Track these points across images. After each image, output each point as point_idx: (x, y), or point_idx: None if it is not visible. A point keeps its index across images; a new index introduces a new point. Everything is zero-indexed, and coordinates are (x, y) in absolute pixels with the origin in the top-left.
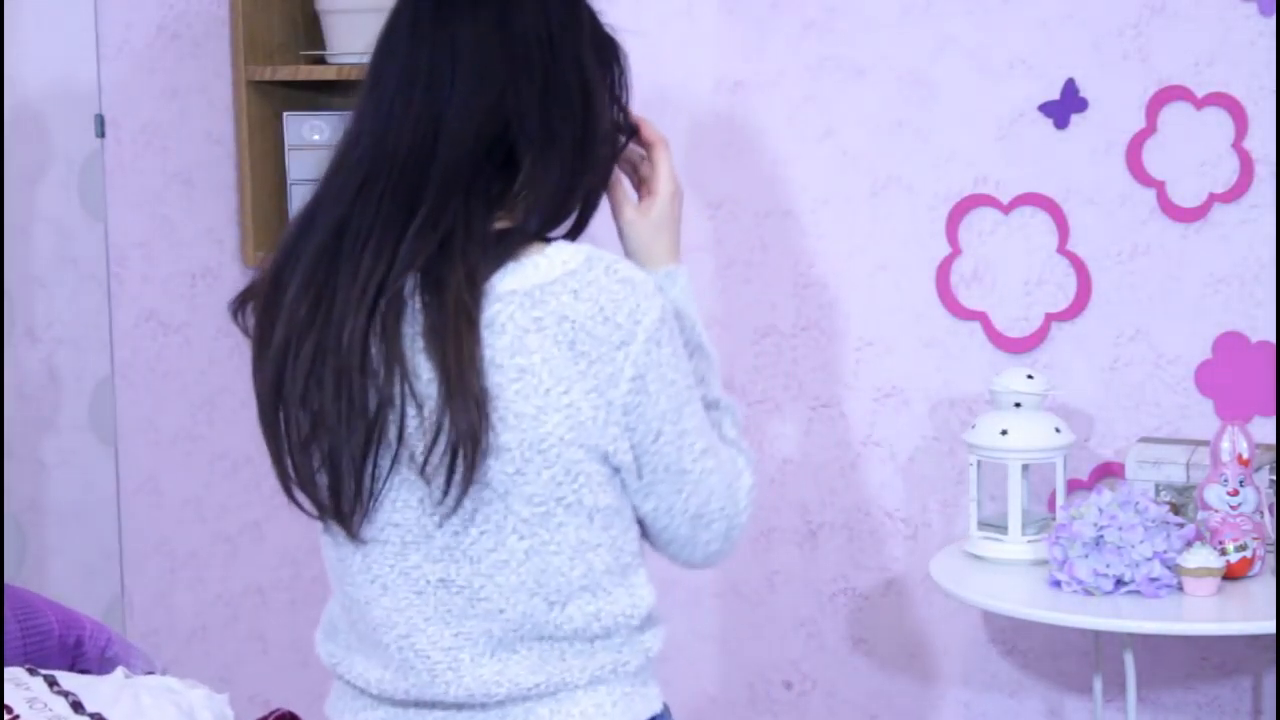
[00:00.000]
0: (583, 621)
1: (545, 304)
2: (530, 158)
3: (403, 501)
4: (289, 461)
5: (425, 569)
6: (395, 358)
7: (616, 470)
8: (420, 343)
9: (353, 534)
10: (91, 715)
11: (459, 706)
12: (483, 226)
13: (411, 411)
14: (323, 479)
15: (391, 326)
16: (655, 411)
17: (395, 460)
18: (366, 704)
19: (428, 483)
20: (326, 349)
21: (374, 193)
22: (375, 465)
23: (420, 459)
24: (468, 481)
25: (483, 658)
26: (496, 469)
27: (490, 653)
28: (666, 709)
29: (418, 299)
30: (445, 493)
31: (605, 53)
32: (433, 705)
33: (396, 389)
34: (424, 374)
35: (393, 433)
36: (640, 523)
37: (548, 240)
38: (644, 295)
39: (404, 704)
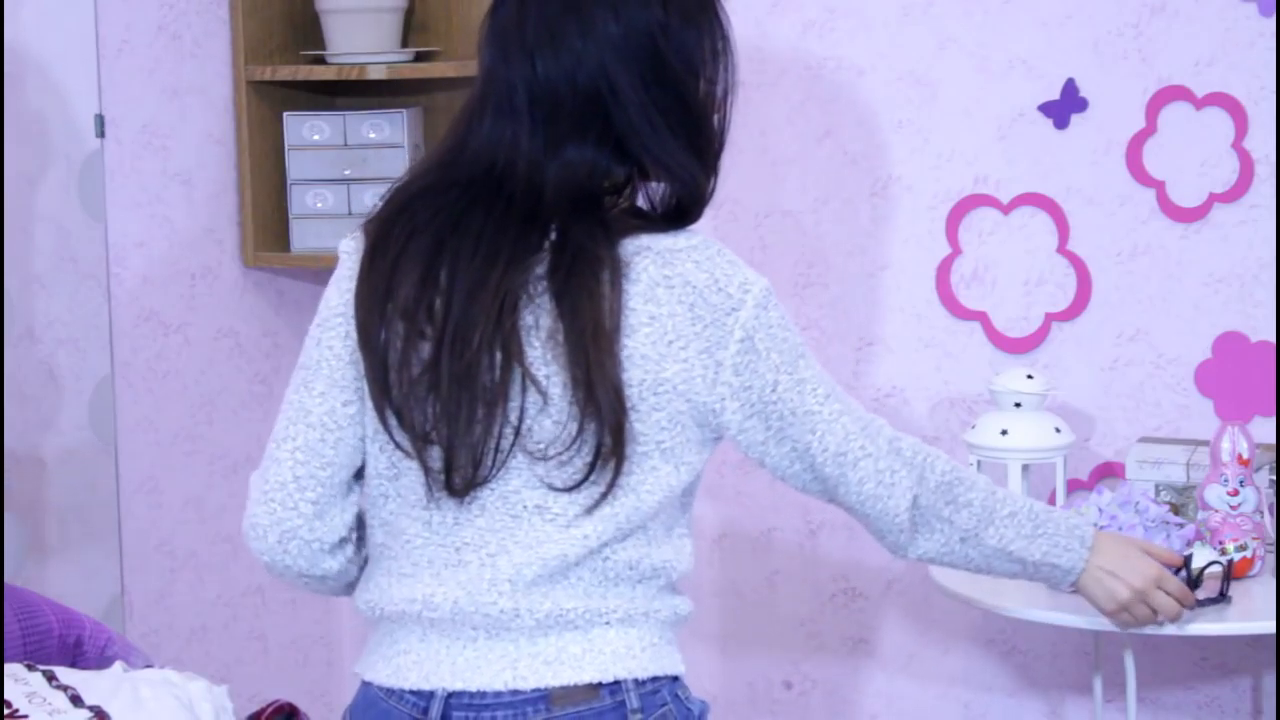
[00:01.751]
0: (628, 558)
1: (674, 265)
2: (650, 163)
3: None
4: (392, 423)
5: (525, 495)
6: (516, 355)
7: (717, 436)
8: (542, 335)
9: (456, 495)
10: (91, 708)
11: (492, 630)
12: (601, 228)
13: (532, 403)
14: (435, 461)
15: (511, 326)
16: (768, 365)
17: (514, 447)
18: (400, 647)
19: (560, 466)
20: (450, 348)
21: (495, 206)
22: (496, 451)
23: (550, 453)
24: (616, 475)
25: (542, 580)
26: None
27: (550, 576)
28: (685, 684)
29: (546, 300)
30: (583, 482)
31: (692, 26)
32: (471, 625)
33: (516, 384)
34: (545, 367)
35: (512, 423)
36: (788, 480)
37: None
38: (749, 271)
39: (439, 624)
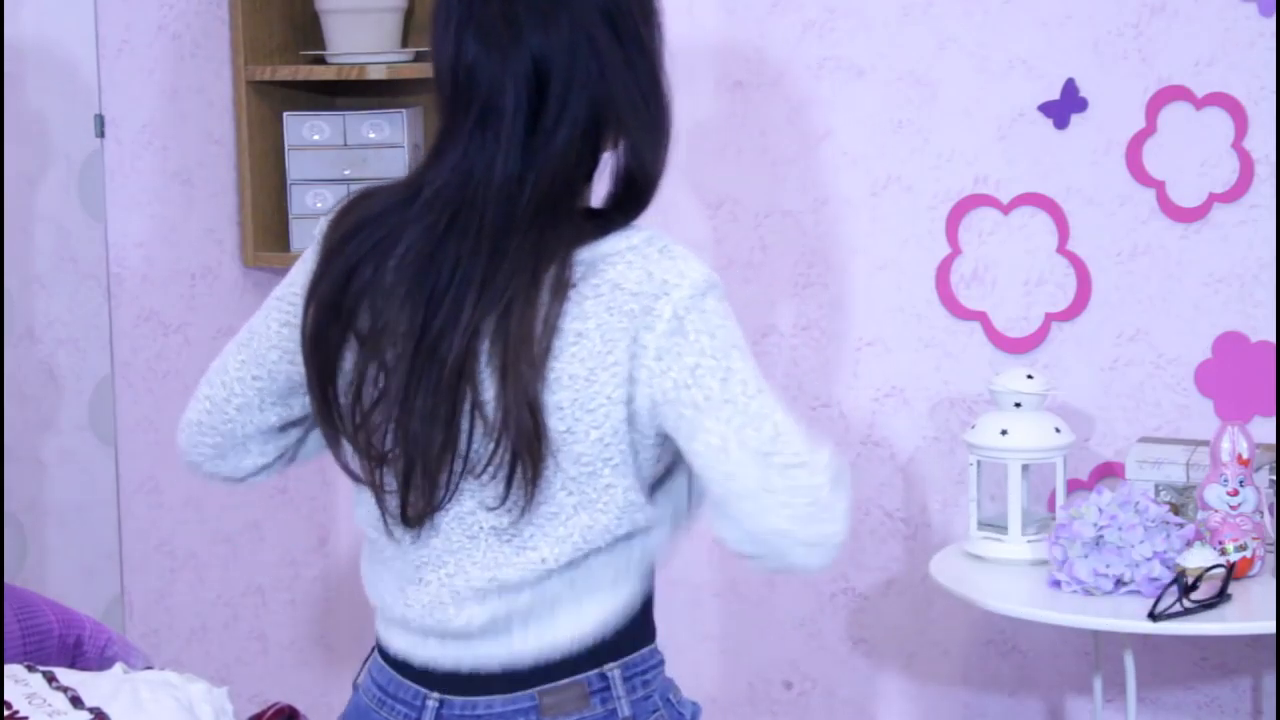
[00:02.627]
0: (590, 565)
1: (603, 273)
2: (622, 131)
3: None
4: (344, 449)
5: (479, 516)
6: (468, 380)
7: (649, 436)
8: (489, 359)
9: (410, 526)
10: (91, 710)
11: (459, 637)
12: (558, 243)
13: (479, 429)
14: (390, 485)
15: (470, 367)
16: (693, 350)
17: (464, 473)
18: (385, 625)
19: (483, 486)
20: (427, 375)
21: (469, 228)
22: (448, 481)
23: (479, 470)
24: (530, 496)
25: (492, 596)
26: (549, 427)
27: (515, 589)
28: (677, 686)
29: (492, 323)
30: (504, 500)
31: (647, 11)
32: (438, 635)
33: (465, 418)
34: (489, 391)
35: (460, 451)
36: (706, 481)
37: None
38: (691, 265)
39: (415, 630)
